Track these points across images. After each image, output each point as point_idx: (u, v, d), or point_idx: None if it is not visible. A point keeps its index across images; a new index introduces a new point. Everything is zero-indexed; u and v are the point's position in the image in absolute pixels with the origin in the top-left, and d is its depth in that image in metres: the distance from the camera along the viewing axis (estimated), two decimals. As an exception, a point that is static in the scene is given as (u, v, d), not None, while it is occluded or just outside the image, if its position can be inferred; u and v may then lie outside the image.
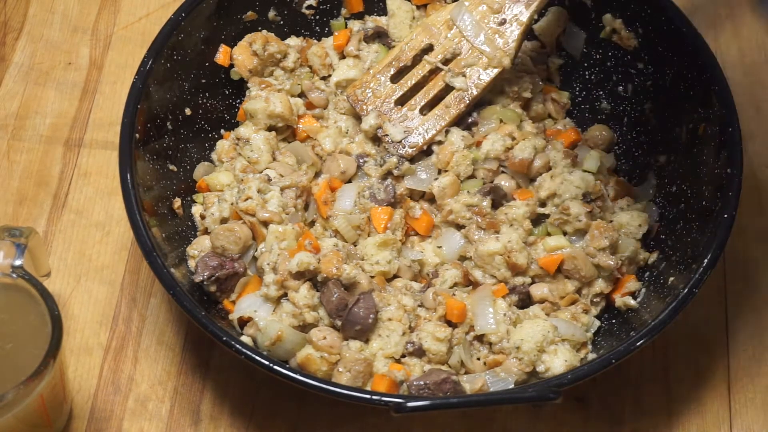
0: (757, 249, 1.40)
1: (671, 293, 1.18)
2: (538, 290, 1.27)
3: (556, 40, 1.45)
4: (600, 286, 1.27)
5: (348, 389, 1.09)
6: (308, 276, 1.22)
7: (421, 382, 1.15)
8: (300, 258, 1.20)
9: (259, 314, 1.22)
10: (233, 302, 1.25)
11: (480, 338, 1.22)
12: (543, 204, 1.31)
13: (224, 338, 1.11)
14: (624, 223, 1.29)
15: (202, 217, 1.30)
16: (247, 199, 1.26)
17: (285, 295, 1.22)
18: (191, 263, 1.26)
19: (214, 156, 1.38)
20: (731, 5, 1.61)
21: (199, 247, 1.28)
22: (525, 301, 1.27)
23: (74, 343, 1.30)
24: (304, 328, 1.21)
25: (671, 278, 1.22)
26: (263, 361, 1.10)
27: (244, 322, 1.23)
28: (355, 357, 1.17)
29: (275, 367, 1.09)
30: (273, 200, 1.27)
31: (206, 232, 1.30)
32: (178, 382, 1.28)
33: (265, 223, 1.26)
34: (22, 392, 1.05)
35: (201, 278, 1.22)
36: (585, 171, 1.32)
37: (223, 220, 1.28)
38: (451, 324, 1.23)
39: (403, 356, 1.22)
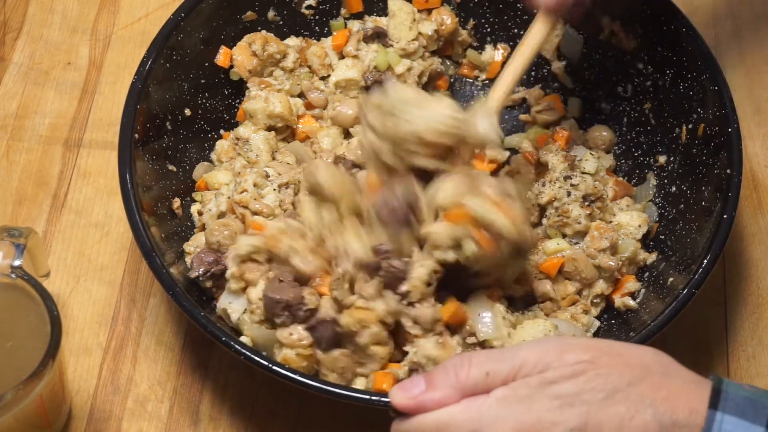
0: (757, 249, 1.40)
1: (671, 294, 1.18)
2: (541, 287, 1.27)
3: (556, 47, 1.46)
4: (601, 287, 1.27)
5: (348, 389, 1.09)
6: (262, 260, 1.20)
7: (421, 383, 1.15)
8: (241, 242, 1.19)
9: (233, 307, 1.21)
10: (225, 296, 1.25)
11: (482, 344, 1.21)
12: (543, 209, 1.31)
13: (224, 338, 1.11)
14: (624, 224, 1.29)
15: (200, 213, 1.30)
16: (242, 192, 1.26)
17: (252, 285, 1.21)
18: (187, 259, 1.26)
19: (213, 156, 1.38)
20: (731, 5, 1.61)
21: (195, 244, 1.28)
22: (527, 300, 1.27)
23: (73, 344, 1.30)
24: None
25: (671, 279, 1.22)
26: (263, 361, 1.10)
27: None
28: (332, 357, 1.15)
29: (275, 367, 1.09)
30: (269, 195, 1.27)
31: (203, 228, 1.30)
32: (177, 383, 1.28)
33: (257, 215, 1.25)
34: (22, 392, 1.05)
35: (196, 274, 1.22)
36: (584, 173, 1.32)
37: (221, 216, 1.28)
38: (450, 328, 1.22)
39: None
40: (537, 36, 1.23)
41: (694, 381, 0.90)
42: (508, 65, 1.25)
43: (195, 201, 1.34)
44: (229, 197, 1.28)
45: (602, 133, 1.41)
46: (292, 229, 1.20)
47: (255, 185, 1.27)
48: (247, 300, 1.20)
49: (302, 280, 1.19)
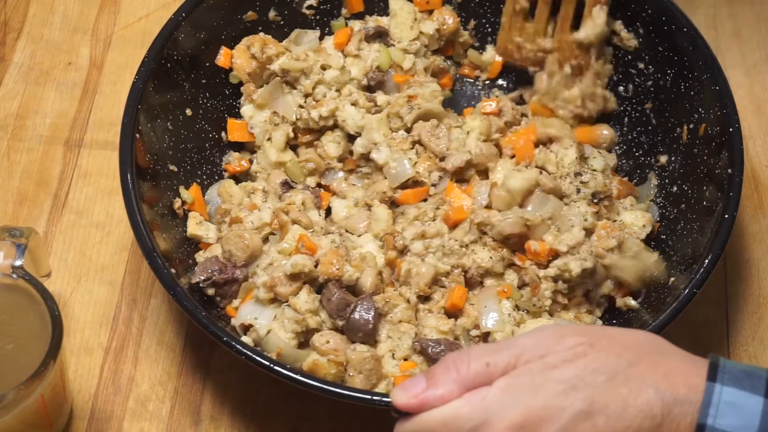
0: (757, 249, 1.40)
1: (672, 293, 1.18)
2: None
3: None
4: (608, 286, 1.26)
5: (348, 389, 1.09)
6: (304, 279, 1.21)
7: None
8: (295, 260, 1.20)
9: (260, 322, 1.21)
10: (236, 308, 1.24)
11: (485, 338, 1.22)
12: None
13: (225, 338, 1.11)
14: (628, 223, 1.29)
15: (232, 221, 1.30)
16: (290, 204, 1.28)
17: (280, 299, 1.22)
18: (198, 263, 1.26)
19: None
20: (732, 5, 1.61)
21: (210, 252, 1.27)
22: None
23: (74, 344, 1.30)
24: (307, 333, 1.20)
25: (672, 278, 1.22)
26: (264, 361, 1.10)
27: (246, 327, 1.23)
28: (362, 357, 1.16)
29: (276, 367, 1.09)
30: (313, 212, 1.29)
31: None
32: (178, 383, 1.28)
33: (294, 223, 1.26)
34: (23, 393, 1.05)
35: (198, 279, 1.22)
36: (593, 171, 1.31)
37: (263, 226, 1.27)
38: (451, 316, 1.23)
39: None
40: None
41: (690, 359, 0.91)
42: None
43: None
44: (272, 210, 1.27)
45: (603, 132, 1.40)
46: (344, 247, 1.22)
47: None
48: (290, 310, 1.19)
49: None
